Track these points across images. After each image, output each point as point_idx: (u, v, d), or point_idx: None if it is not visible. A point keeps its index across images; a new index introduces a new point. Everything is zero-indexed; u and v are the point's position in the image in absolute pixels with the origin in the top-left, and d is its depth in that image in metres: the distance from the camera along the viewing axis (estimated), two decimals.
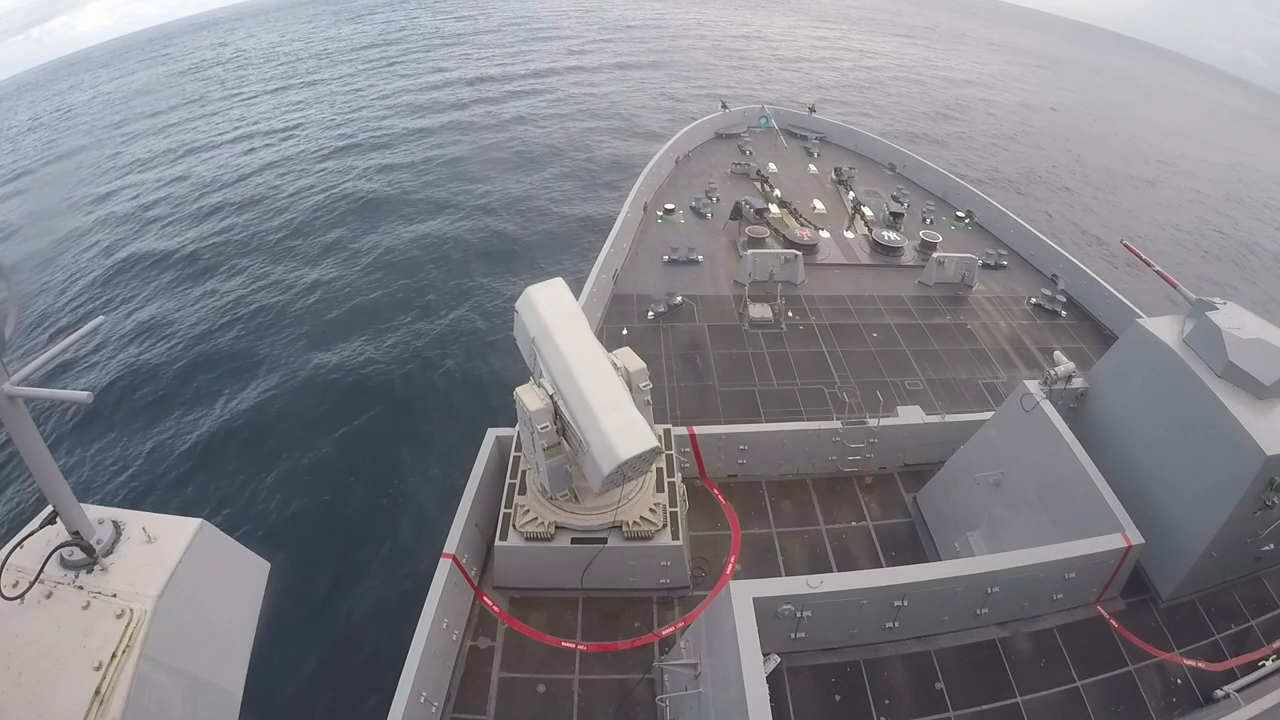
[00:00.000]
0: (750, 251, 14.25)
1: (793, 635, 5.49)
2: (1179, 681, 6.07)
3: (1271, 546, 6.47)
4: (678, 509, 7.57)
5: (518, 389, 6.81)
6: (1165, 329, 6.81)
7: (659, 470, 7.78)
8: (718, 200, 17.67)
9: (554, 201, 30.12)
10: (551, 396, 6.62)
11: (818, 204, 18.30)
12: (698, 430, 8.94)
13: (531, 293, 7.12)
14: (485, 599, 7.52)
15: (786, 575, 7.92)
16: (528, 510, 7.33)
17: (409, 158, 36.58)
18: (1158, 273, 7.61)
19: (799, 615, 5.37)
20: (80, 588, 3.08)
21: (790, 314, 13.09)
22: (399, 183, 32.93)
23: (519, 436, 8.23)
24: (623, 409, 6.38)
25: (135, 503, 14.65)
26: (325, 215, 29.57)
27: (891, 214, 17.25)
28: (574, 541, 7.27)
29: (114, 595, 3.06)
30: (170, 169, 38.33)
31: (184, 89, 59.66)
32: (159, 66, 76.43)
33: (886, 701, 5.50)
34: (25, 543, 3.19)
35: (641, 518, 7.25)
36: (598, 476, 6.33)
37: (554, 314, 6.92)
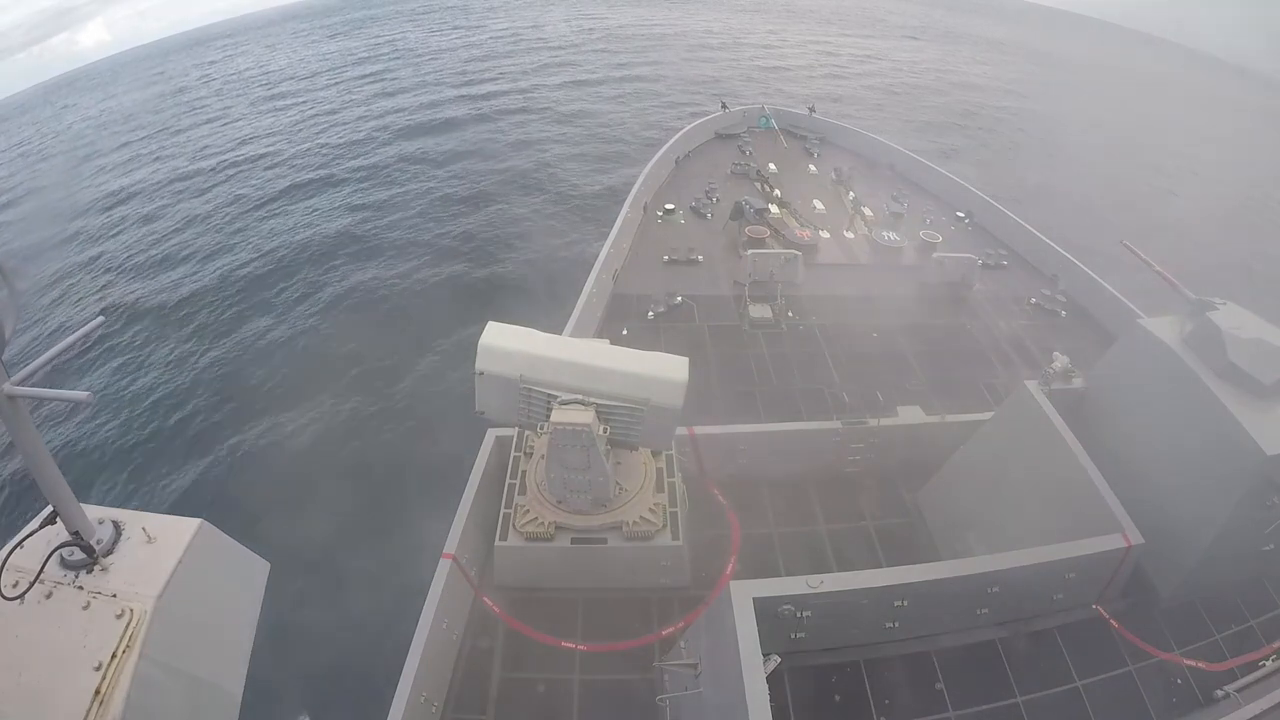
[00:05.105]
0: (750, 251, 14.21)
1: (793, 635, 5.48)
2: (1179, 681, 6.07)
3: (1272, 546, 6.47)
4: (678, 509, 7.57)
5: (553, 419, 6.36)
6: (1165, 329, 6.78)
7: (659, 470, 7.78)
8: (718, 200, 17.63)
9: (552, 202, 30.12)
10: (580, 400, 6.45)
11: (818, 204, 18.26)
12: (698, 430, 8.91)
13: (488, 342, 6.52)
14: (485, 599, 7.52)
15: (786, 575, 7.90)
16: (528, 510, 7.33)
17: (409, 155, 36.58)
18: (1158, 272, 7.59)
19: (799, 615, 5.36)
20: (80, 588, 3.07)
21: (790, 314, 13.08)
22: (391, 180, 32.95)
23: (519, 438, 8.25)
24: (642, 356, 6.46)
25: (134, 503, 14.65)
26: (323, 216, 29.58)
27: (891, 214, 17.23)
28: (574, 541, 7.27)
29: (114, 595, 3.05)
30: (166, 176, 38.31)
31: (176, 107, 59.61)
32: (160, 84, 76.36)
33: (886, 701, 5.49)
34: (25, 543, 3.17)
35: (641, 517, 7.25)
36: (672, 420, 6.47)
37: (523, 342, 6.61)
